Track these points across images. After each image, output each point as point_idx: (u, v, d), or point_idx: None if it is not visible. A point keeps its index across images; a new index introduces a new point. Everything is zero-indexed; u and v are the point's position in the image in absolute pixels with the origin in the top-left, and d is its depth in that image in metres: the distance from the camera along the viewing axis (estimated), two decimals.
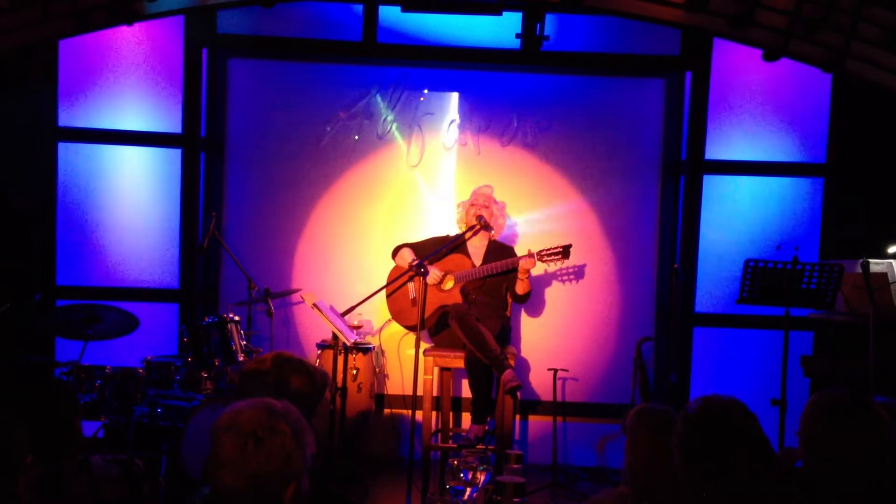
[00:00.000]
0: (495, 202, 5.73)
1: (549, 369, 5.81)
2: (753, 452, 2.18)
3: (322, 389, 2.77)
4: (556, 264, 5.65)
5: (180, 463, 4.62)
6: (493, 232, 5.70)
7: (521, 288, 5.53)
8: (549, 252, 5.47)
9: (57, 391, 2.62)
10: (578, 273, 6.19)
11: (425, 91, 6.28)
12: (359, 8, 6.08)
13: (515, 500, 3.17)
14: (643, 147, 6.29)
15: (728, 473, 2.15)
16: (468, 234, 5.61)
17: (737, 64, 6.04)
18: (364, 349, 5.74)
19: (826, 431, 2.49)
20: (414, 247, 5.67)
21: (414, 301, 5.55)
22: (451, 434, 5.93)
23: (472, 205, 5.68)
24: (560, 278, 6.19)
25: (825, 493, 2.47)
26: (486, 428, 5.38)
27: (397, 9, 5.69)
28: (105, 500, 2.51)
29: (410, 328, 5.66)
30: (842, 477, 2.45)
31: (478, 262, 5.63)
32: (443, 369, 5.76)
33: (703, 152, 6.05)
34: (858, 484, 2.43)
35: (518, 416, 6.18)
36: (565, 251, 5.47)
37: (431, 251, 5.54)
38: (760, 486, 2.14)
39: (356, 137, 6.29)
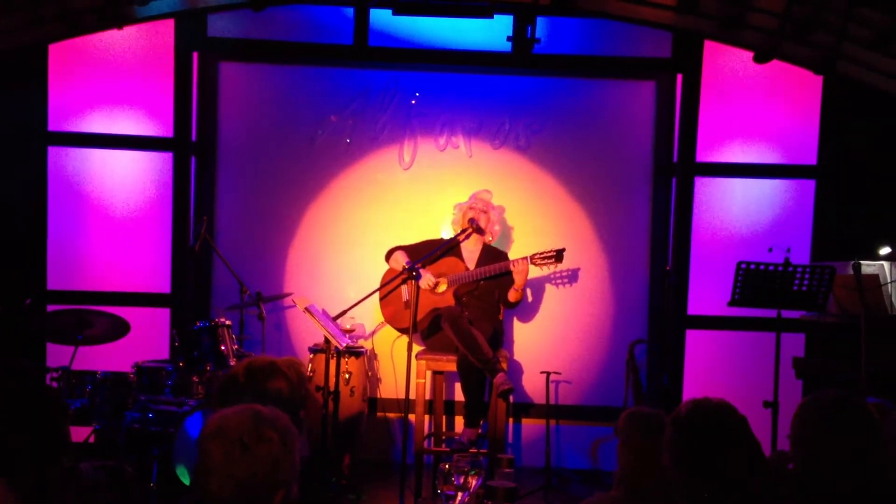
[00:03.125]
0: (493, 207, 5.73)
1: (541, 372, 5.79)
2: (743, 455, 2.17)
3: (301, 386, 2.74)
4: (549, 268, 5.65)
5: (172, 468, 4.60)
6: (486, 236, 5.70)
7: (513, 296, 5.54)
8: (542, 256, 5.47)
9: (44, 397, 2.60)
10: (571, 276, 6.18)
11: (417, 94, 6.28)
12: (350, 11, 6.07)
13: None
14: (635, 149, 6.29)
15: (718, 476, 2.14)
16: (461, 237, 5.60)
17: (728, 66, 6.04)
18: (356, 353, 5.72)
19: (818, 433, 2.48)
20: (408, 249, 5.66)
21: (407, 304, 5.54)
22: (443, 438, 5.91)
23: (471, 208, 5.67)
24: (552, 281, 6.19)
25: (817, 494, 2.46)
26: (479, 431, 5.37)
27: (388, 12, 5.68)
28: None
29: (403, 331, 5.65)
30: (834, 478, 2.44)
31: (471, 265, 5.63)
32: (435, 373, 5.76)
33: (694, 155, 6.05)
34: (851, 485, 2.43)
35: (511, 420, 6.17)
36: (559, 255, 5.47)
37: (425, 254, 5.53)
38: (752, 489, 2.14)
39: (348, 140, 6.28)
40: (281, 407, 2.04)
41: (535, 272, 5.75)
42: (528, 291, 6.15)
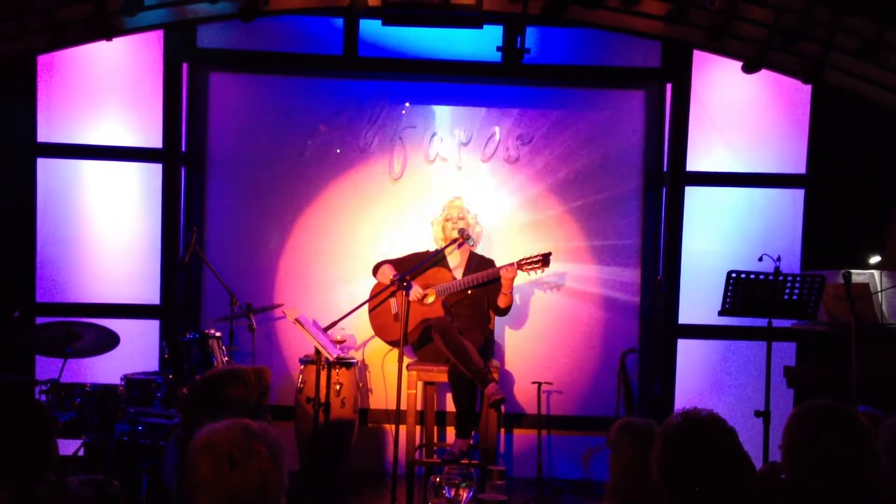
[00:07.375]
0: (468, 212, 5.73)
1: (533, 382, 5.78)
2: (732, 469, 2.16)
3: (259, 386, 2.73)
4: (536, 272, 5.63)
5: (162, 481, 4.57)
6: (472, 244, 5.70)
7: (503, 301, 5.53)
8: (529, 261, 5.46)
9: (30, 410, 2.58)
10: (562, 286, 6.18)
11: (407, 104, 6.27)
12: (339, 22, 6.08)
13: None
14: (625, 159, 6.29)
15: (706, 489, 2.13)
16: (450, 248, 5.59)
17: (717, 75, 6.05)
18: (347, 364, 5.69)
19: (809, 443, 2.48)
20: (394, 263, 5.65)
21: (396, 316, 5.53)
22: (435, 448, 5.89)
23: (447, 220, 5.67)
24: (544, 291, 6.18)
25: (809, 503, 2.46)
26: (471, 442, 5.34)
27: (378, 23, 5.67)
28: None
29: (393, 343, 5.63)
30: (826, 488, 2.44)
31: (459, 274, 5.62)
32: (427, 383, 5.73)
33: (684, 164, 6.07)
34: (842, 494, 2.42)
35: (503, 430, 6.15)
36: (545, 259, 5.47)
37: (412, 266, 5.51)
38: (741, 501, 2.13)
39: (338, 151, 6.27)
40: (237, 410, 2.03)
41: (524, 278, 5.75)
42: (517, 296, 6.12)
